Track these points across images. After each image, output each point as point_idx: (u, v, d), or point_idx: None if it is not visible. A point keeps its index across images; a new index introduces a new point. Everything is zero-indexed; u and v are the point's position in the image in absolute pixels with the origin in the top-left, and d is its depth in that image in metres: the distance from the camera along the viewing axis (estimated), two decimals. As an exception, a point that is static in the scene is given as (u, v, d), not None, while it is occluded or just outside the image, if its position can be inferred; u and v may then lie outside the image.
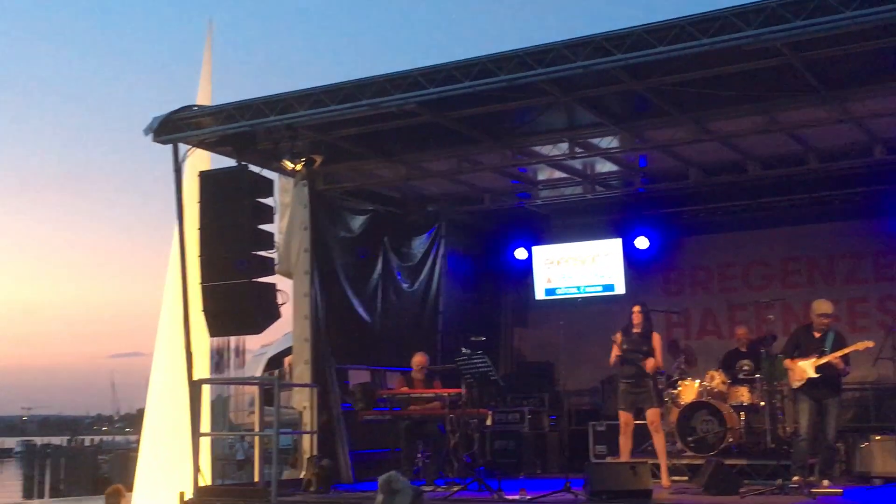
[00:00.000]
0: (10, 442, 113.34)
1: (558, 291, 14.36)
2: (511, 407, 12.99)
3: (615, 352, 10.08)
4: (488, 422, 11.47)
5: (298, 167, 10.81)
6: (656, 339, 10.09)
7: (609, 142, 11.17)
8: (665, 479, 9.81)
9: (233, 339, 10.80)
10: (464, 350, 10.27)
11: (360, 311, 12.46)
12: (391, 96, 9.16)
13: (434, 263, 13.90)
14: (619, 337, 10.08)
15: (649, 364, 9.83)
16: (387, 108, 9.42)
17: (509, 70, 8.58)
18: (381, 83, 9.23)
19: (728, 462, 9.87)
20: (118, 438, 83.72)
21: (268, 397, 13.00)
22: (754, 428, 11.12)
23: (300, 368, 11.59)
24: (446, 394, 10.54)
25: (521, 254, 14.71)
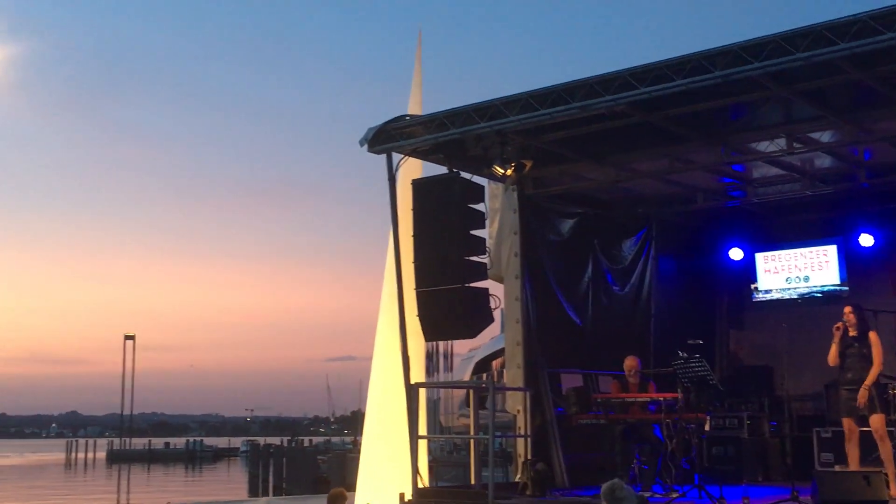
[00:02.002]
0: (236, 441, 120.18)
1: (777, 292, 13.82)
2: (729, 412, 12.60)
3: (834, 349, 9.73)
4: (706, 427, 11.17)
5: (508, 172, 10.90)
6: (874, 339, 9.62)
7: (830, 135, 10.67)
8: (894, 489, 9.27)
9: (442, 342, 11.01)
10: (680, 353, 10.07)
11: (571, 314, 12.43)
12: (601, 98, 9.09)
13: (645, 265, 13.69)
14: (837, 335, 9.73)
15: (871, 375, 9.41)
16: (596, 110, 9.35)
17: (724, 66, 8.34)
18: (591, 85, 9.16)
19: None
20: (334, 439, 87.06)
21: (480, 400, 13.12)
22: None
23: (513, 372, 11.67)
24: (662, 398, 10.35)
25: (735, 254, 14.27)
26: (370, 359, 12.22)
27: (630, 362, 11.19)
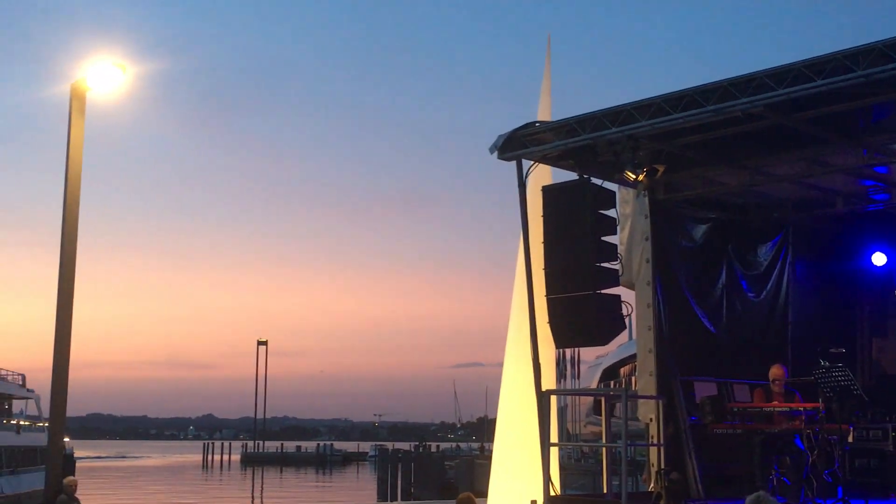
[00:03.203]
0: (365, 446, 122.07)
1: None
2: (872, 423, 12.11)
3: None
4: (849, 438, 10.77)
5: (640, 177, 10.76)
6: None
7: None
8: None
9: (568, 349, 10.92)
10: (822, 362, 9.74)
11: (705, 321, 12.18)
12: (736, 100, 8.89)
13: (781, 271, 13.31)
14: None
15: None
16: (731, 113, 9.14)
17: (867, 65, 8.06)
18: (725, 87, 8.97)
19: None
20: (462, 445, 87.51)
21: (611, 408, 12.97)
22: None
23: (644, 380, 11.51)
24: (802, 408, 10.03)
25: (878, 259, 13.72)
26: (497, 365, 12.28)
27: (776, 371, 10.86)
